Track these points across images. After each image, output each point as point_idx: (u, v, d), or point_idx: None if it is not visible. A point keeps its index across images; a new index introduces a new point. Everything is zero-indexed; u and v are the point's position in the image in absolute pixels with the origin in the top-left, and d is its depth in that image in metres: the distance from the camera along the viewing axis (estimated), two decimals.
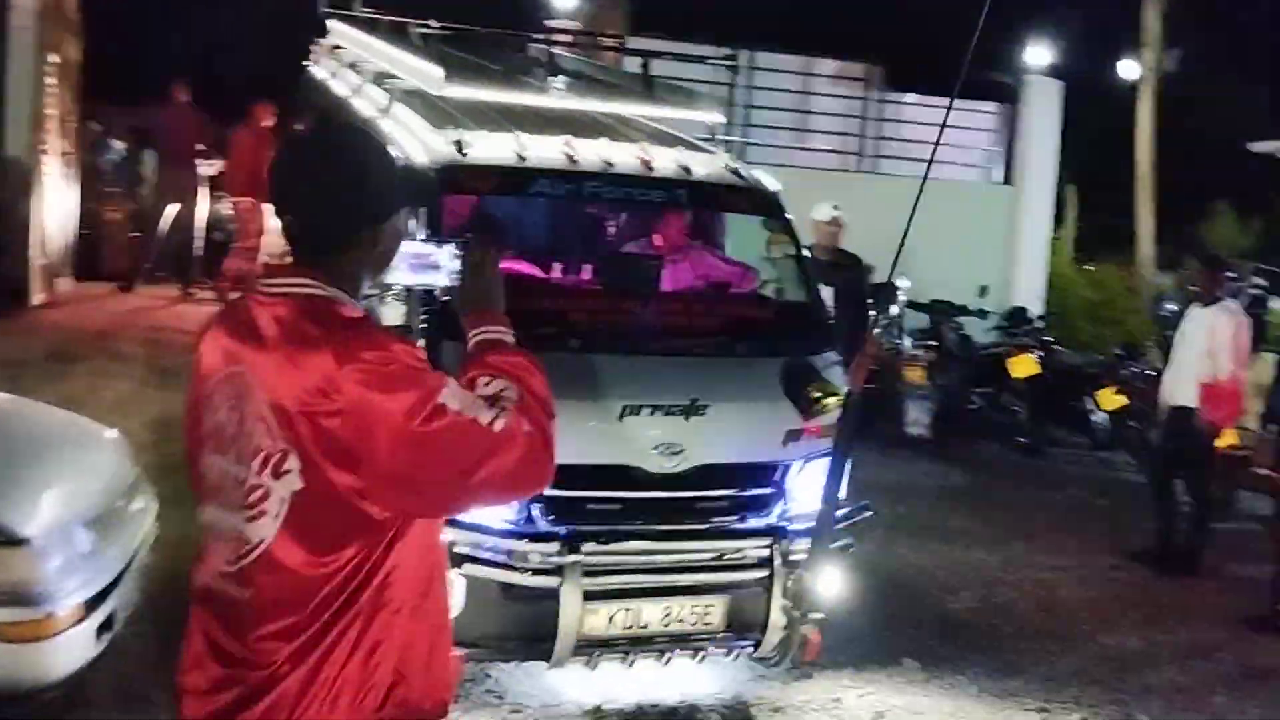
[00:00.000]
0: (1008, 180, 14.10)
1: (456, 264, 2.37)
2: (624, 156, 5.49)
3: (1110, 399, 10.22)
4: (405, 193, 2.32)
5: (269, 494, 1.99)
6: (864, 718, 5.32)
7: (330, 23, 8.34)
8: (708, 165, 5.76)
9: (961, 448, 10.38)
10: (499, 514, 4.69)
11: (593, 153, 5.43)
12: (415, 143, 5.46)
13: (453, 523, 4.60)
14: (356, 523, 1.97)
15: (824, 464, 5.06)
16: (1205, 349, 7.37)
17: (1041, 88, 14.00)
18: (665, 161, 5.61)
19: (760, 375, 5.08)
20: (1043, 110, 13.80)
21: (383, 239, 2.18)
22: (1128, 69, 17.44)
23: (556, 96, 5.88)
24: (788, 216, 5.71)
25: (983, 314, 11.50)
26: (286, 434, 1.97)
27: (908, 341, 10.60)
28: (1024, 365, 10.55)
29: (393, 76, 6.00)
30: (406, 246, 2.33)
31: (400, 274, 2.34)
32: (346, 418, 1.92)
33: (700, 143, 6.06)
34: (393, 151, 2.13)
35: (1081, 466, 10.56)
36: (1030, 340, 11.10)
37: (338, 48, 7.82)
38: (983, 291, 11.89)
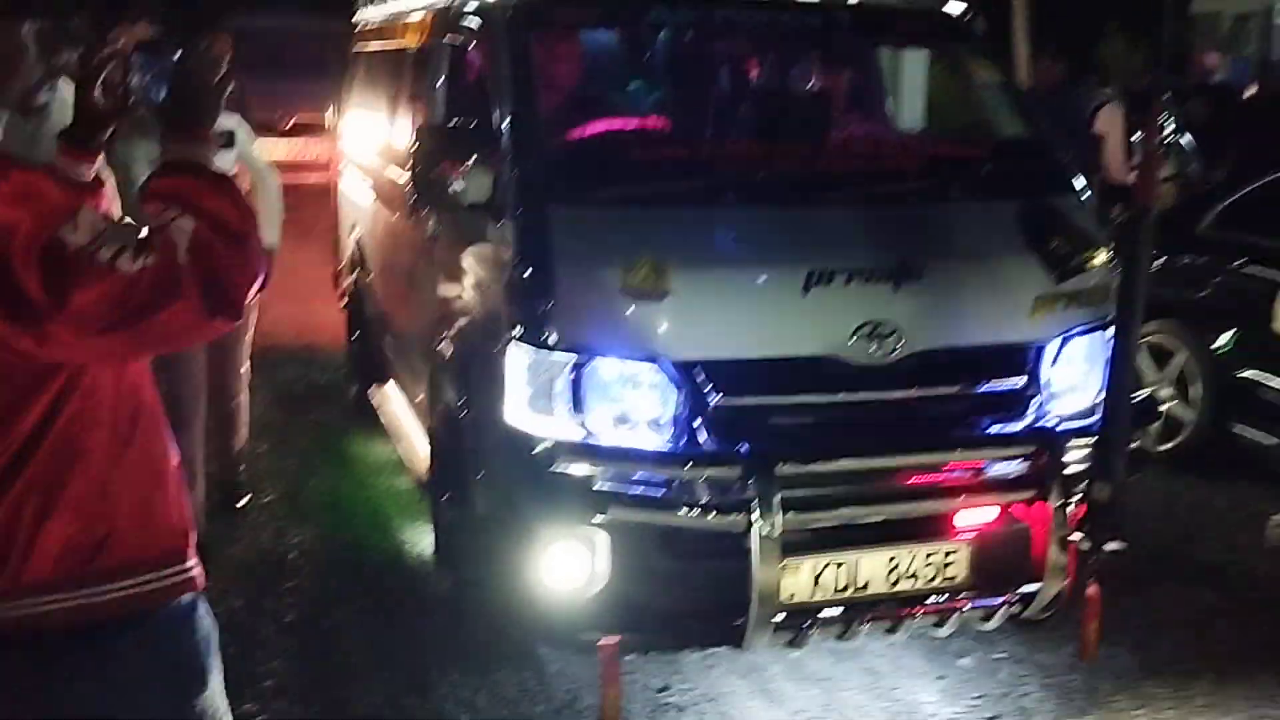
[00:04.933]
0: None
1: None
2: None
3: None
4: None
5: None
6: None
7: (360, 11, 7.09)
8: None
9: None
10: (649, 435, 3.31)
11: None
12: None
13: (587, 450, 3.26)
14: (12, 384, 1.78)
15: (1094, 340, 3.63)
16: None
17: None
18: None
19: (990, 224, 3.66)
20: None
21: None
22: None
23: None
24: (984, 41, 4.29)
25: None
26: None
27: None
28: None
29: None
30: (138, 57, 2.08)
31: (140, 83, 2.07)
32: None
33: None
34: None
35: None
36: None
37: (368, 27, 6.58)
38: None
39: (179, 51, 1.99)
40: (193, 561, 2.00)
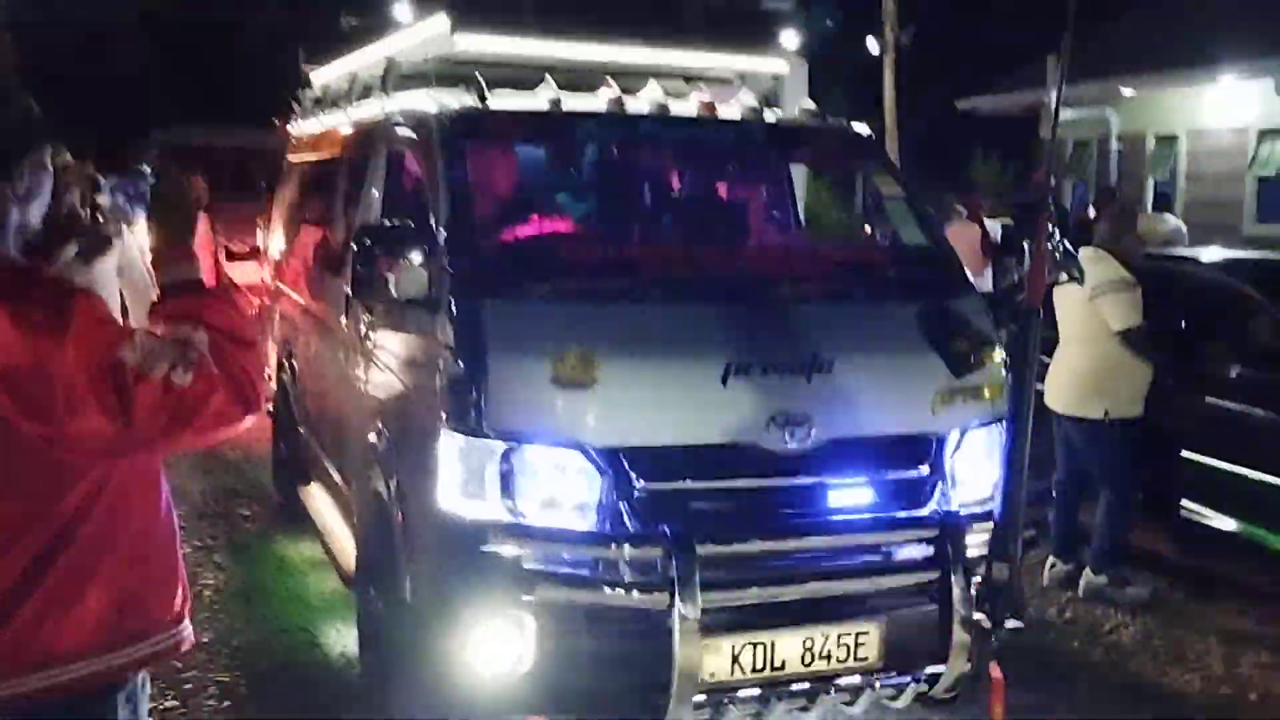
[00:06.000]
0: None
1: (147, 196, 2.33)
2: (683, 105, 4.49)
3: None
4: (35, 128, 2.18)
5: None
6: None
7: (312, 73, 7.43)
8: (781, 112, 4.74)
9: None
10: (576, 518, 3.46)
11: (645, 100, 4.42)
12: (426, 102, 4.43)
13: (516, 531, 3.40)
14: (57, 468, 1.98)
15: (990, 433, 3.89)
16: None
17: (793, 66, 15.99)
18: (732, 109, 4.59)
19: (894, 323, 3.93)
20: (794, 85, 15.81)
21: (17, 181, 2.10)
22: (872, 45, 19.47)
23: (589, 47, 4.87)
24: (888, 158, 4.64)
25: None
26: None
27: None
28: None
29: (385, 79, 5.02)
30: (114, 180, 2.35)
31: (112, 204, 2.34)
32: (23, 372, 1.90)
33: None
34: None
35: None
36: None
37: (321, 96, 6.85)
38: None
39: (147, 177, 2.29)
40: (189, 622, 2.25)
